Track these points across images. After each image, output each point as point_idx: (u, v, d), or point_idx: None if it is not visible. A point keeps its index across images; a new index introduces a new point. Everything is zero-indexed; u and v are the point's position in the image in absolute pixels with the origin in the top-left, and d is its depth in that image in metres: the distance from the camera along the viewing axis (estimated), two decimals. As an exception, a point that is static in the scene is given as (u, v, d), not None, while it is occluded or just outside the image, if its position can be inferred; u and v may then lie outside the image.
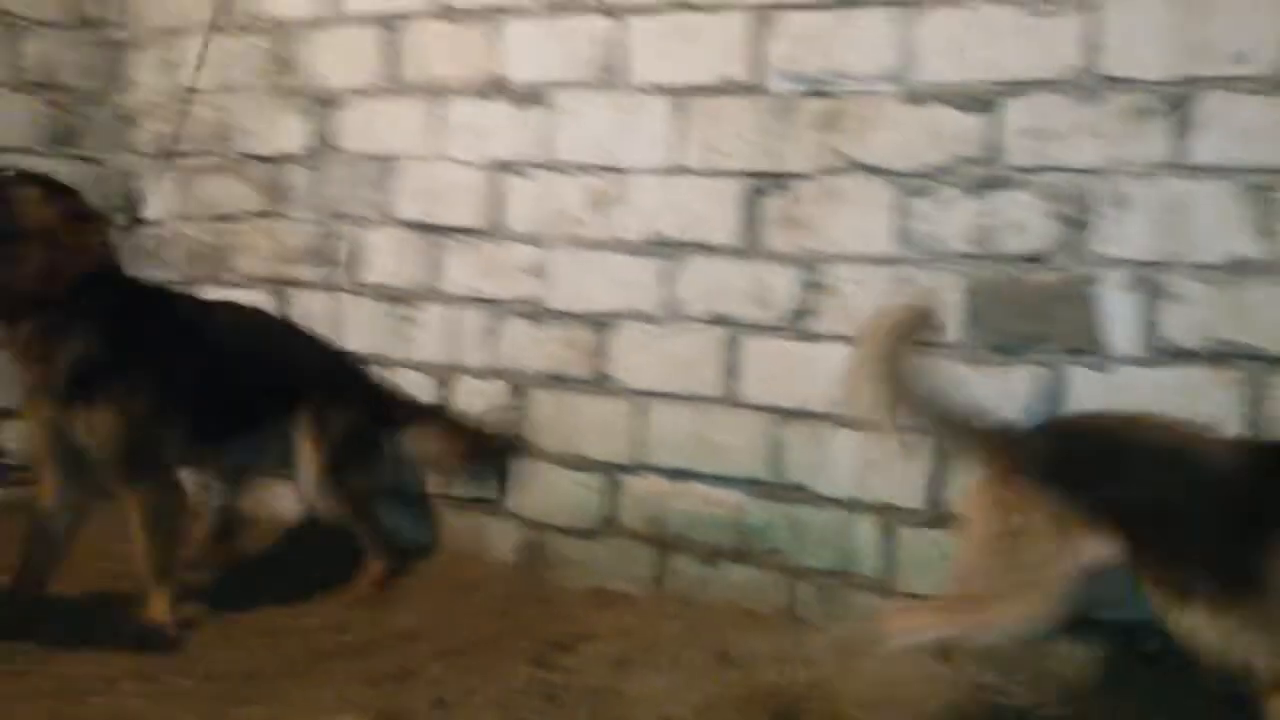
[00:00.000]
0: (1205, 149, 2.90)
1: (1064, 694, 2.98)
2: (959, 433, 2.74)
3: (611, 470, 3.71)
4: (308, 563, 3.93)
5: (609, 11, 3.58)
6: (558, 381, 3.78)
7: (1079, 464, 2.55)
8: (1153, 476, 2.48)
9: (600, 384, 3.70)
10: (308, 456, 3.61)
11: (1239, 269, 2.89)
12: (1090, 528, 2.48)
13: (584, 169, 3.67)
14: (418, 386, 4.03)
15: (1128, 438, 2.57)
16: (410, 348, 4.06)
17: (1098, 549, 2.48)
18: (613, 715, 2.90)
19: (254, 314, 3.85)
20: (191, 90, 3.98)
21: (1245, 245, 2.87)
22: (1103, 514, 2.47)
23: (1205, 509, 2.40)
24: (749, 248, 3.46)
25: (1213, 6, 2.84)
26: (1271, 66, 2.80)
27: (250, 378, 3.52)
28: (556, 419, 3.79)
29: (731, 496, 3.53)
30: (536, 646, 3.32)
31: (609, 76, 3.61)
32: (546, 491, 3.82)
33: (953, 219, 3.19)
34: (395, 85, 3.99)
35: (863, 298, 3.31)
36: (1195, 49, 2.87)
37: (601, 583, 3.72)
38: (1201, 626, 2.36)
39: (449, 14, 3.85)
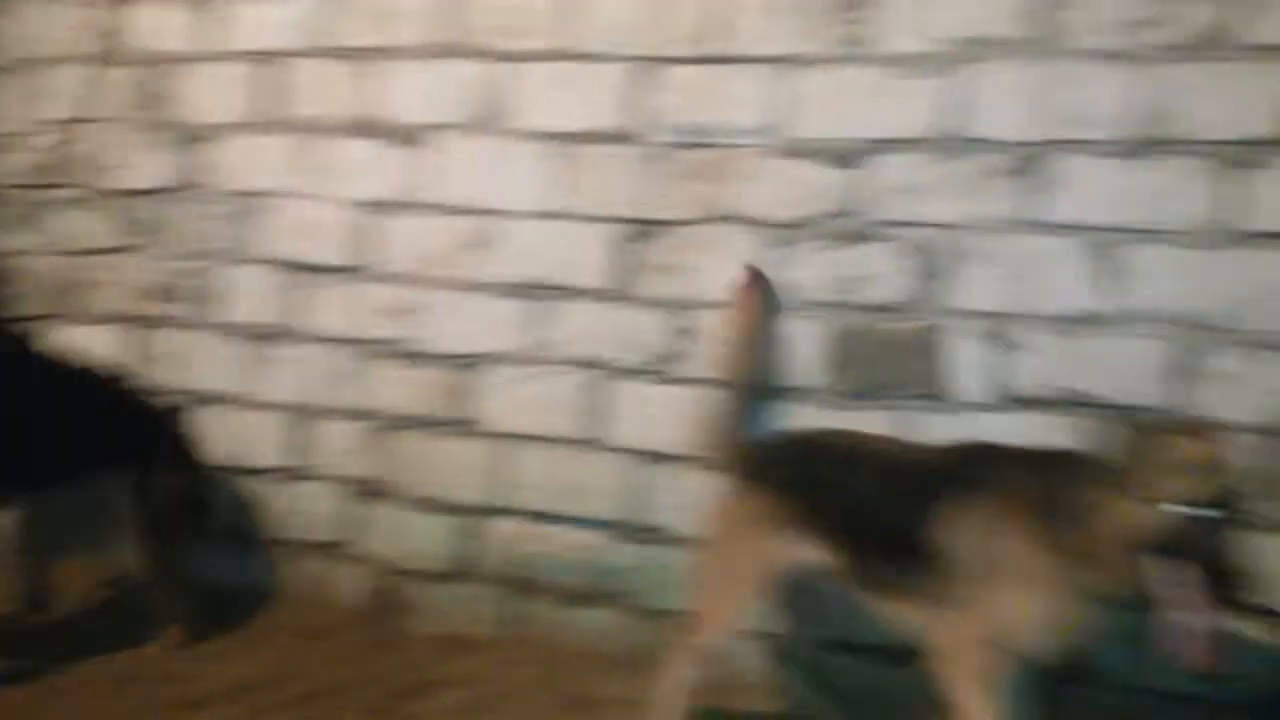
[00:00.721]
0: (1056, 208, 3.06)
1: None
2: (721, 448, 2.95)
3: (472, 513, 3.64)
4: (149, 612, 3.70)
5: (491, 56, 3.62)
6: (422, 423, 3.71)
7: (788, 471, 2.76)
8: (845, 479, 2.68)
9: (465, 426, 3.65)
10: (131, 514, 3.44)
11: (1082, 321, 3.03)
12: (796, 529, 2.70)
13: (459, 211, 3.68)
14: (275, 428, 3.89)
15: (826, 446, 2.80)
16: (270, 388, 3.93)
17: (803, 549, 2.70)
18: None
19: (74, 366, 3.62)
20: (56, 122, 3.86)
21: (1089, 299, 3.02)
22: (807, 516, 2.69)
23: (884, 500, 2.60)
24: (620, 292, 3.49)
25: (1067, 74, 3.03)
26: (1119, 132, 2.98)
27: (60, 430, 3.33)
28: (418, 461, 3.71)
29: (592, 539, 3.51)
30: (383, 695, 3.22)
31: (488, 120, 3.64)
32: (403, 535, 3.73)
33: (816, 269, 3.28)
34: (269, 121, 3.95)
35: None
36: (1050, 113, 3.05)
37: (457, 629, 3.63)
38: (895, 611, 2.59)
39: (329, 52, 3.85)
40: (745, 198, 3.36)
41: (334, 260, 3.85)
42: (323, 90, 3.85)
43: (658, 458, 3.43)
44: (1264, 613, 2.22)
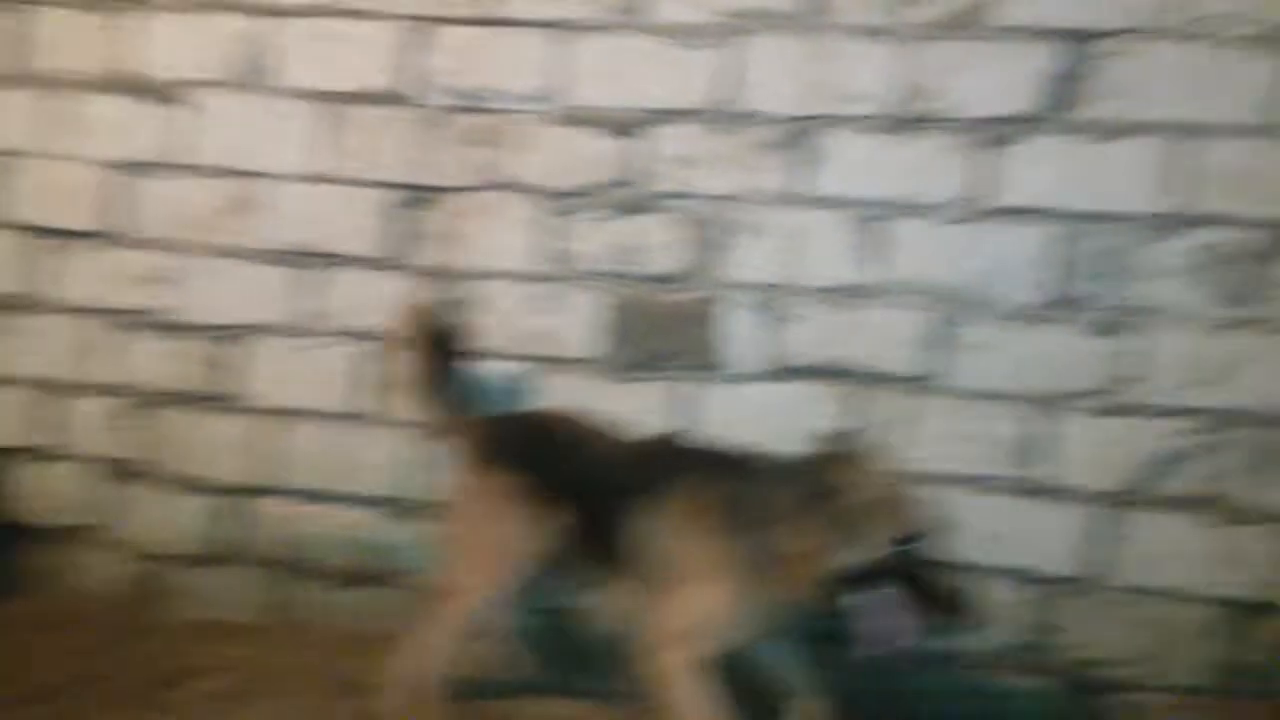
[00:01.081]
0: (822, 182, 3.11)
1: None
2: (445, 422, 2.93)
3: (237, 493, 3.46)
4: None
5: (254, 10, 3.43)
6: (181, 399, 3.49)
7: (522, 450, 2.80)
8: (567, 462, 2.75)
9: (228, 401, 3.47)
10: None
11: (848, 293, 3.10)
12: (529, 509, 2.73)
13: (220, 172, 3.48)
14: (19, 405, 3.60)
15: (556, 428, 2.85)
16: (14, 361, 3.63)
17: (537, 529, 2.74)
18: (214, 757, 2.65)
19: None
20: None
21: (853, 271, 3.09)
22: (537, 496, 2.74)
23: (600, 493, 2.68)
24: (393, 261, 3.37)
25: (833, 49, 3.10)
26: (882, 107, 3.05)
27: None
28: (178, 439, 3.50)
29: (366, 517, 3.39)
30: (137, 685, 3.02)
31: (254, 77, 3.45)
32: (162, 517, 3.51)
33: (597, 239, 3.26)
34: (9, 75, 3.62)
35: (506, 313, 3.29)
36: (818, 88, 3.10)
37: (223, 614, 3.47)
38: (613, 601, 2.68)
39: (83, 4, 3.55)
40: (523, 165, 3.30)
41: (84, 224, 3.58)
42: (70, 42, 3.56)
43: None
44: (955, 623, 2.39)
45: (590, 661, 3.14)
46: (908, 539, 2.37)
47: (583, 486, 2.72)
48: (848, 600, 2.39)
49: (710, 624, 2.49)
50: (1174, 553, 2.98)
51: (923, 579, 2.37)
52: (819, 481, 2.42)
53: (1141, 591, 3.00)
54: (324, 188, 3.42)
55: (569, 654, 3.22)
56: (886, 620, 2.37)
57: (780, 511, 2.45)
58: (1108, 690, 3.01)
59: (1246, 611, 2.93)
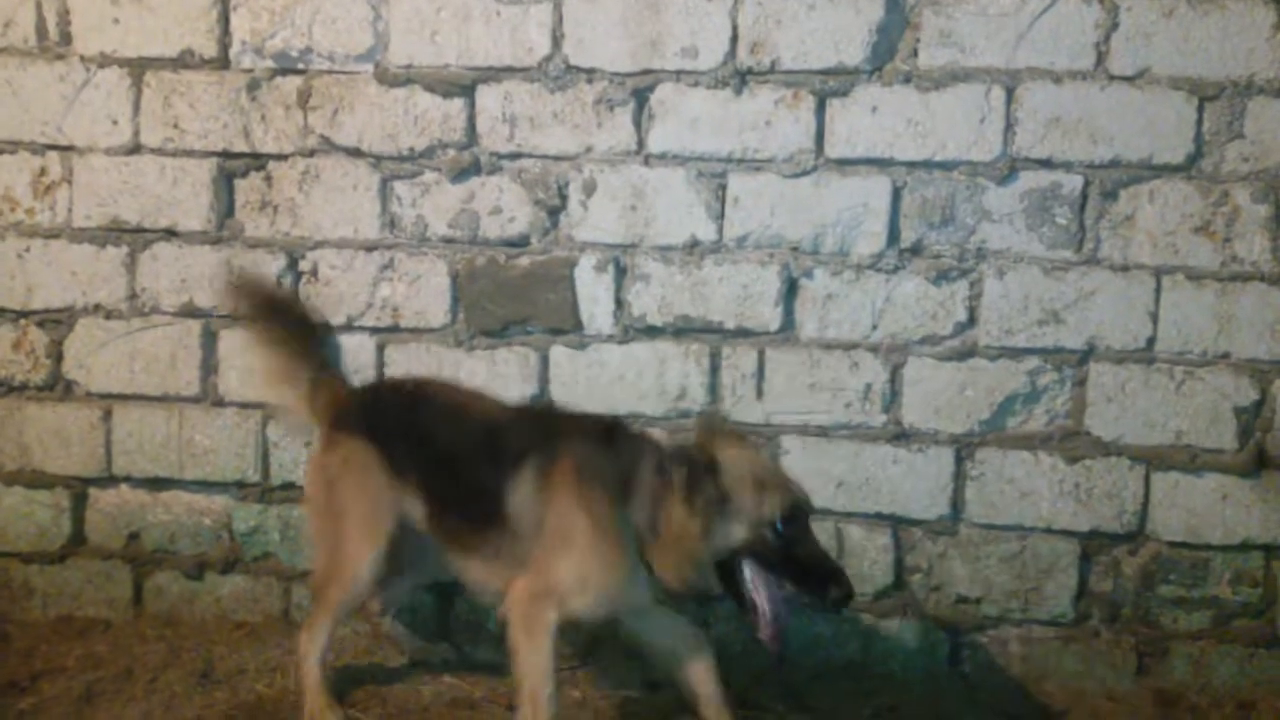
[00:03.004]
0: (663, 138, 3.11)
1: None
2: (299, 392, 2.92)
3: (76, 485, 3.38)
4: None
5: (47, -30, 3.24)
6: (3, 389, 3.37)
7: (383, 422, 2.79)
8: (433, 433, 2.74)
9: (57, 389, 3.35)
10: None
11: (695, 250, 3.14)
12: (397, 479, 2.74)
13: (24, 147, 3.31)
14: None
15: (419, 398, 2.84)
16: None
17: (403, 503, 2.76)
18: (73, 758, 2.63)
19: None
20: None
21: (699, 228, 3.13)
22: (403, 466, 2.74)
23: (463, 461, 2.69)
24: (224, 234, 3.28)
25: (665, 3, 3.08)
26: (717, 61, 3.06)
27: None
28: (4, 432, 3.38)
29: (217, 503, 3.35)
30: (-14, 691, 2.95)
31: (49, 43, 3.26)
32: (4, 513, 3.40)
33: (437, 203, 3.23)
34: None
35: (349, 284, 3.25)
36: (651, 42, 3.08)
37: (70, 610, 3.42)
38: (476, 571, 2.70)
39: None
40: (355, 129, 3.23)
41: (-121, 208, 3.38)
42: None
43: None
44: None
45: (481, 635, 3.22)
46: (786, 517, 2.38)
47: (446, 454, 2.70)
48: (730, 584, 2.41)
49: (579, 588, 2.50)
50: (1029, 490, 3.14)
51: (800, 557, 2.39)
52: (700, 460, 2.41)
53: (1000, 529, 3.16)
54: (139, 159, 3.31)
55: (460, 628, 3.28)
56: (772, 601, 2.39)
57: (663, 488, 2.44)
58: (973, 628, 3.19)
59: (1105, 543, 3.12)
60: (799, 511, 2.40)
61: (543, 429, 2.65)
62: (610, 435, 2.61)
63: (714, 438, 2.50)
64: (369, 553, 2.75)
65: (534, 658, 2.50)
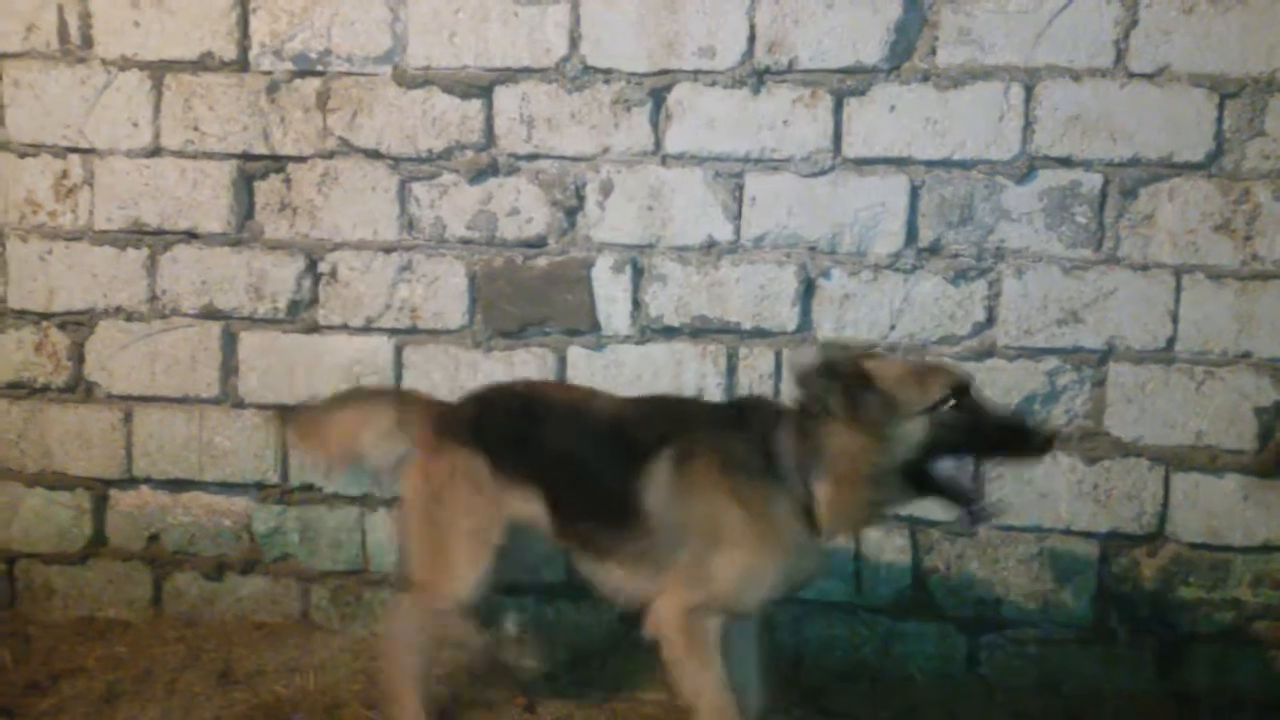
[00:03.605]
0: (679, 138, 3.12)
1: (570, 657, 3.18)
2: (389, 409, 2.79)
3: (97, 486, 3.41)
4: None
5: (67, -26, 3.28)
6: (25, 391, 3.39)
7: (495, 427, 2.66)
8: (552, 435, 2.61)
9: (78, 391, 3.38)
10: None
11: (712, 250, 3.14)
12: (510, 486, 2.61)
13: (46, 150, 3.34)
14: None
15: (533, 401, 2.71)
16: None
17: (519, 506, 2.62)
18: (93, 758, 2.66)
19: None
20: None
21: (716, 228, 3.13)
22: (520, 472, 2.61)
23: (590, 462, 2.56)
24: (244, 235, 3.30)
25: (682, 2, 3.08)
26: (734, 60, 3.06)
27: None
28: (27, 433, 3.41)
29: (237, 504, 3.37)
30: (5, 693, 2.96)
31: (70, 46, 3.29)
32: (18, 516, 3.43)
33: (455, 205, 3.24)
34: None
35: (368, 285, 3.27)
36: (668, 42, 3.09)
37: (91, 611, 3.45)
38: (612, 576, 2.56)
39: None
40: (375, 130, 3.25)
41: (-96, 211, 3.42)
42: None
43: (299, 412, 3.30)
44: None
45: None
46: (957, 394, 2.27)
47: (569, 457, 2.57)
48: (926, 485, 2.30)
49: (743, 587, 2.37)
50: (1048, 491, 3.13)
51: (985, 426, 2.28)
52: (850, 375, 2.28)
53: (1018, 530, 3.15)
54: (160, 161, 3.34)
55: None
56: (968, 481, 2.31)
57: (817, 428, 2.30)
58: (991, 630, 3.18)
59: (1124, 545, 3.11)
60: (963, 386, 2.29)
61: (669, 420, 2.52)
62: (739, 411, 2.52)
63: (844, 356, 2.38)
64: (477, 568, 2.63)
65: (705, 674, 2.38)
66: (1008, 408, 2.50)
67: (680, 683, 2.41)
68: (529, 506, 2.60)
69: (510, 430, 2.62)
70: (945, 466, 2.29)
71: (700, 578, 2.38)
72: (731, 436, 2.42)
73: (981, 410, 2.31)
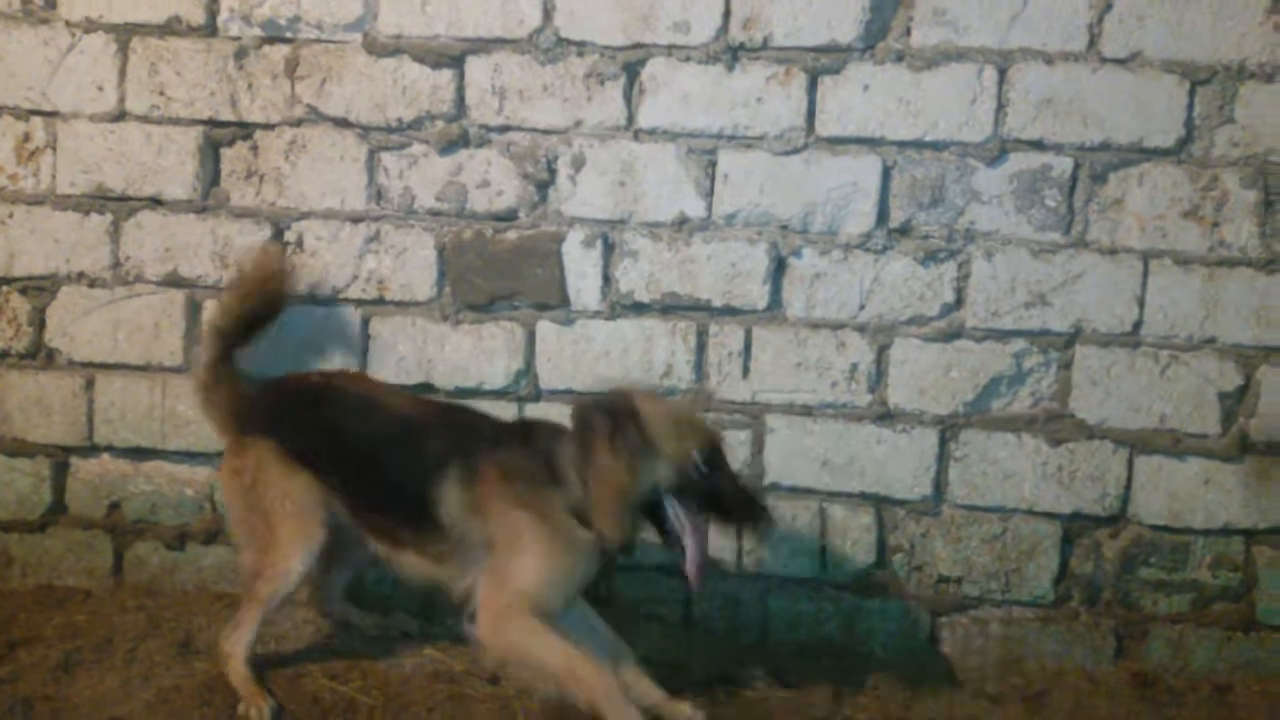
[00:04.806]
0: (652, 113, 3.11)
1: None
2: (207, 395, 2.96)
3: (57, 454, 3.38)
4: None
5: (30, -68, 3.22)
6: (-7, 356, 3.37)
7: (290, 419, 2.83)
8: (350, 430, 2.78)
9: (39, 357, 3.35)
10: None
11: (684, 227, 3.14)
12: (310, 480, 2.77)
13: (8, 112, 3.30)
14: None
15: (328, 392, 2.88)
16: None
17: (320, 498, 2.78)
18: (50, 726, 2.64)
19: None
20: None
21: (688, 205, 3.13)
22: (316, 466, 2.78)
23: (390, 459, 2.73)
24: (209, 203, 3.27)
25: (659, -25, 3.07)
26: (709, 36, 3.06)
27: None
28: (-7, 400, 3.38)
29: (200, 474, 3.35)
30: (-38, 660, 2.95)
31: (34, 7, 3.24)
32: (-17, 482, 3.41)
33: (424, 175, 3.22)
34: None
35: (335, 255, 3.25)
36: (642, 16, 3.08)
37: (50, 580, 3.42)
38: (412, 565, 2.76)
39: None
40: (345, 99, 3.23)
41: None
42: None
43: (264, 382, 3.28)
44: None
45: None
46: (705, 455, 2.53)
47: (366, 457, 2.74)
48: (657, 522, 2.57)
49: (547, 584, 2.57)
50: (1013, 471, 3.16)
51: (725, 491, 2.55)
52: (621, 409, 2.53)
53: (982, 510, 3.19)
54: (125, 126, 3.30)
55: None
56: (697, 535, 2.54)
57: (590, 444, 2.55)
58: (954, 608, 3.22)
59: (1087, 526, 3.14)
60: (717, 449, 2.56)
61: (460, 431, 2.71)
62: (525, 431, 2.73)
63: (633, 394, 2.61)
64: (300, 552, 2.78)
65: (544, 651, 2.53)
66: (746, 485, 2.70)
67: (531, 670, 2.57)
68: (328, 499, 2.77)
69: (307, 422, 2.79)
70: (677, 514, 2.54)
71: (505, 580, 2.56)
72: (516, 450, 2.65)
73: (721, 474, 2.57)
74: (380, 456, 2.72)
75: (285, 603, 2.87)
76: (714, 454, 2.56)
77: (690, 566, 2.54)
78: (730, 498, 2.56)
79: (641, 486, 2.52)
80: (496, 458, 2.63)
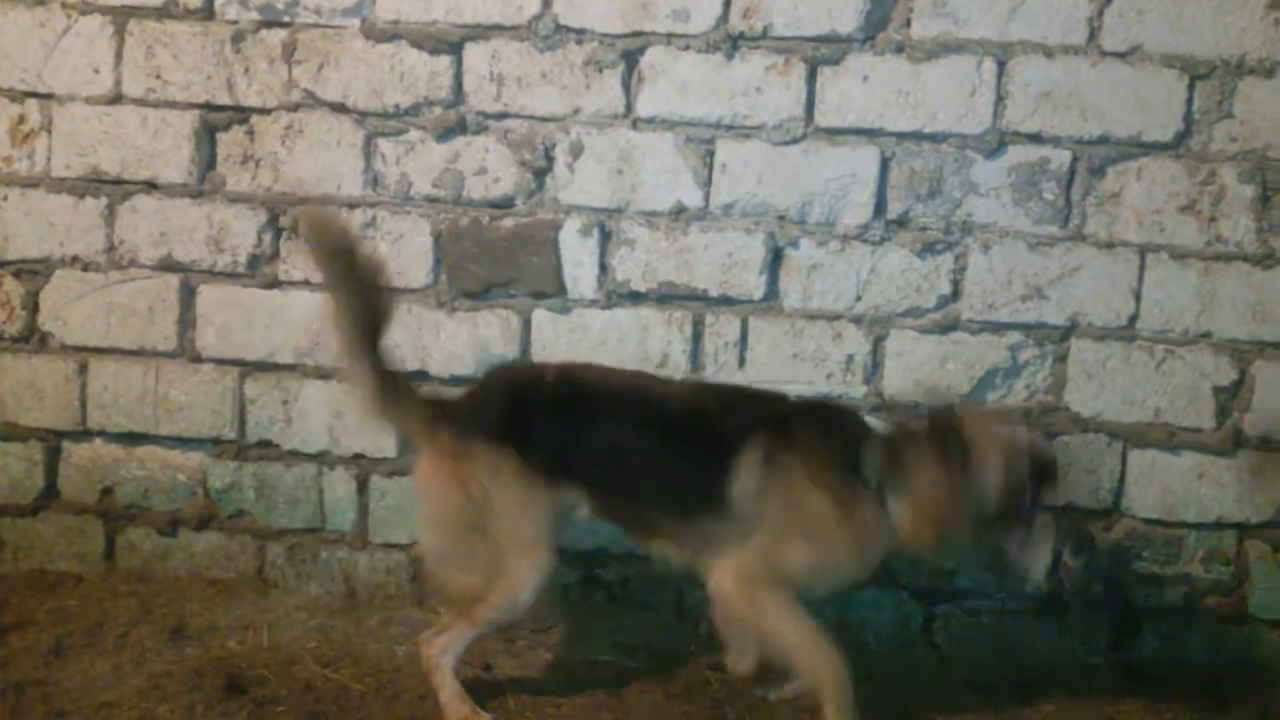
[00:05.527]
0: (650, 102, 3.11)
1: (534, 620, 3.14)
2: (396, 404, 2.67)
3: (49, 438, 3.37)
4: None
5: (27, -88, 3.20)
6: (-14, 339, 3.36)
7: (530, 417, 2.60)
8: (605, 423, 2.61)
9: (32, 340, 3.34)
10: None
11: (681, 216, 3.14)
12: (554, 479, 2.58)
13: (2, 94, 3.29)
14: None
15: (574, 386, 2.68)
16: None
17: (567, 498, 2.62)
18: (41, 711, 2.63)
19: None
20: None
21: (686, 194, 3.13)
22: (564, 464, 2.58)
23: (651, 449, 2.61)
24: (205, 187, 3.26)
25: (659, -37, 3.07)
26: (709, 25, 3.05)
27: None
28: (-15, 383, 3.37)
29: (192, 459, 3.34)
30: (-47, 644, 2.94)
31: (32, -13, 3.23)
32: (-25, 466, 3.40)
33: (421, 162, 3.21)
34: None
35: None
36: (642, 4, 3.08)
37: (41, 564, 3.41)
38: (667, 551, 2.66)
39: None
40: (342, 84, 3.22)
41: None
42: None
43: (261, 367, 3.29)
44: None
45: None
46: (1036, 481, 2.48)
47: (626, 446, 2.58)
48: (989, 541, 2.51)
49: (819, 569, 2.52)
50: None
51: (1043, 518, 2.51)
52: (953, 432, 2.46)
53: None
54: (121, 109, 3.28)
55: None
56: (1025, 552, 2.51)
57: (904, 464, 2.49)
58: (947, 600, 3.23)
59: (1080, 519, 3.16)
60: (1049, 474, 2.52)
61: (758, 407, 2.63)
62: (826, 415, 2.65)
63: (958, 413, 2.56)
64: (534, 576, 2.56)
65: (790, 625, 2.50)
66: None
67: (771, 645, 2.55)
68: (576, 498, 2.64)
69: (550, 422, 2.59)
70: (1014, 533, 2.51)
71: (766, 554, 2.48)
72: (823, 433, 2.55)
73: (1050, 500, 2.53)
74: (661, 441, 2.58)
75: (500, 629, 2.75)
76: (1045, 477, 2.52)
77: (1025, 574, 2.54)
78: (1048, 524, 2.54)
79: (970, 513, 2.46)
80: (803, 434, 2.54)
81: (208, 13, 3.22)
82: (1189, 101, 3.00)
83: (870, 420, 2.74)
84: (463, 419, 2.59)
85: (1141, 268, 3.07)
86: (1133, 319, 3.08)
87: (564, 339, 3.21)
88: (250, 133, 3.25)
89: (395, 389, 2.63)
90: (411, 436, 2.81)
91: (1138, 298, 3.07)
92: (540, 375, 2.77)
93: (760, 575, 2.49)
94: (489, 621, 2.60)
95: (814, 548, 2.49)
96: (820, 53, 3.07)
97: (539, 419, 2.57)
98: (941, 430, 2.47)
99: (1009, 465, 2.46)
